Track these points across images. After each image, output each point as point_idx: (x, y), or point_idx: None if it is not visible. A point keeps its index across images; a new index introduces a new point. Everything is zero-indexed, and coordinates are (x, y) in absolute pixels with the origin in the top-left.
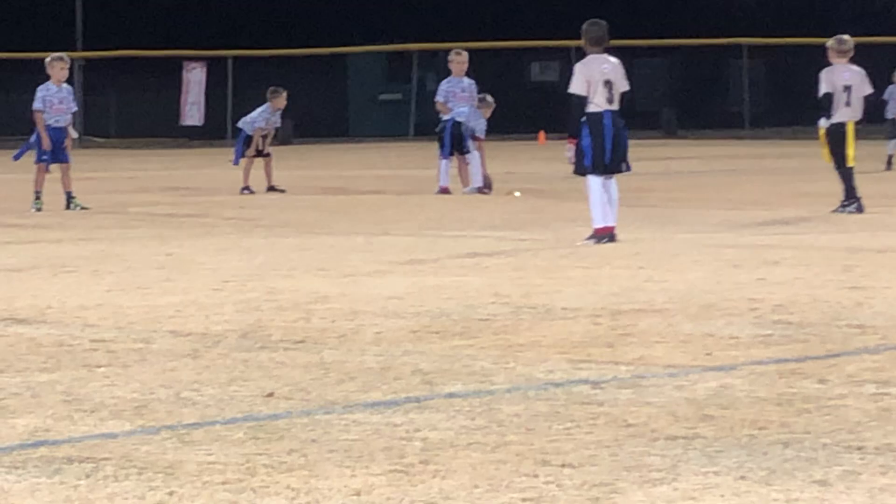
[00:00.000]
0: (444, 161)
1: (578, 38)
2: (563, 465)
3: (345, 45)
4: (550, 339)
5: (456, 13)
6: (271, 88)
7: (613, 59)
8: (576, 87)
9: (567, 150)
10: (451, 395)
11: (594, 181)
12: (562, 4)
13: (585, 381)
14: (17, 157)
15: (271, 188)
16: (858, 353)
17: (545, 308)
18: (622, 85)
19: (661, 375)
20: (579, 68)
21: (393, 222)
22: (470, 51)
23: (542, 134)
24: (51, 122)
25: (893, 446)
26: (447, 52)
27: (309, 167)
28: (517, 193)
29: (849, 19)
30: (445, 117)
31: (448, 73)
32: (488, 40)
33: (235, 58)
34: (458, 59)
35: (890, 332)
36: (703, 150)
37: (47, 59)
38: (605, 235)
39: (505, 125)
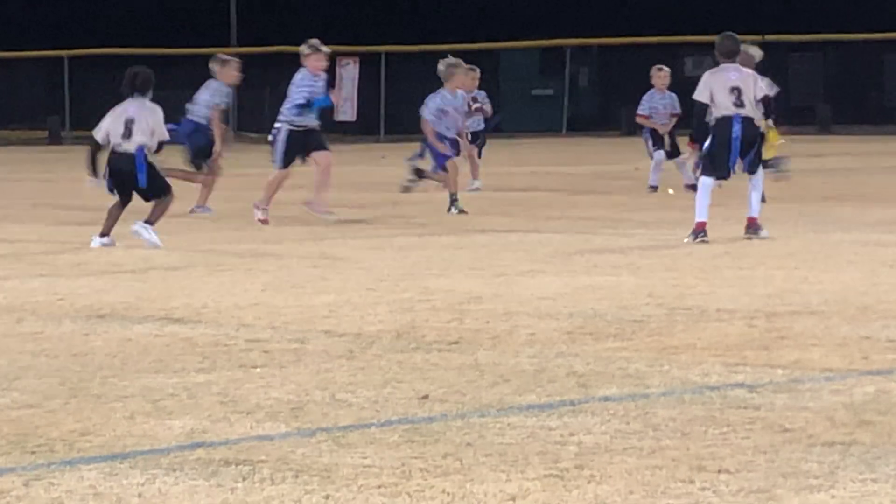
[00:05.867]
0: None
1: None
2: (719, 471)
3: (497, 41)
4: (705, 341)
5: (610, 8)
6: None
7: (747, 70)
8: (698, 94)
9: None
10: (605, 399)
11: (706, 181)
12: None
13: (741, 385)
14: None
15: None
16: None
17: (700, 309)
18: (754, 91)
19: (817, 379)
20: (705, 77)
21: (546, 220)
22: (624, 46)
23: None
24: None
25: None
26: (601, 47)
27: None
28: (670, 191)
29: None
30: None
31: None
32: (642, 35)
33: (388, 53)
34: (661, 75)
35: None
36: (859, 146)
37: (219, 59)
38: (699, 231)
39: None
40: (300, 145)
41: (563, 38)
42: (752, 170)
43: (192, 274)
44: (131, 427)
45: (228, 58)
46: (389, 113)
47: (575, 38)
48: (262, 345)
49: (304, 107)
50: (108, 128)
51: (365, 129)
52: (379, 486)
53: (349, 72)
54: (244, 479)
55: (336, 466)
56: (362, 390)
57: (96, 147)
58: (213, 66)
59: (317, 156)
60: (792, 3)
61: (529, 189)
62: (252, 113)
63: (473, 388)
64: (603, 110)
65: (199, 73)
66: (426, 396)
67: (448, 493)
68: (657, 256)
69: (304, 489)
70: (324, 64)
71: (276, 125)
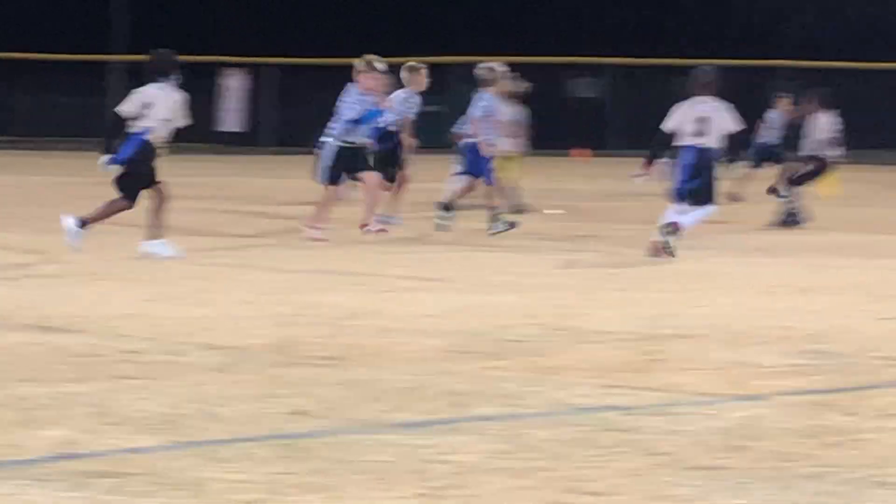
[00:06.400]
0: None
1: (618, 55)
2: (589, 493)
3: (389, 55)
4: (582, 362)
5: (496, 27)
6: None
7: (718, 104)
8: (666, 122)
9: (636, 173)
10: (480, 418)
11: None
12: (601, 22)
13: (615, 408)
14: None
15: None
16: (888, 387)
17: (578, 330)
18: (723, 124)
19: (691, 403)
20: (676, 107)
21: (430, 237)
22: (510, 66)
23: (579, 151)
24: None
25: None
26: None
27: None
28: (554, 211)
29: (890, 44)
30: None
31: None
32: (525, 54)
33: (275, 65)
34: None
35: None
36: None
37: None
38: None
39: (542, 141)
40: (348, 163)
41: (450, 55)
42: (690, 198)
43: (70, 282)
44: (0, 436)
45: (418, 65)
46: (275, 125)
47: (462, 55)
48: (138, 356)
49: (356, 123)
50: (132, 107)
51: (250, 140)
52: (249, 502)
53: (235, 82)
54: (114, 492)
55: (207, 481)
56: (237, 404)
57: (117, 121)
58: (403, 75)
59: (364, 176)
60: (673, 28)
61: (414, 205)
62: None
63: (349, 404)
64: None
65: (82, 79)
66: (300, 412)
67: None
68: (539, 276)
69: (174, 503)
70: (375, 84)
71: (323, 139)
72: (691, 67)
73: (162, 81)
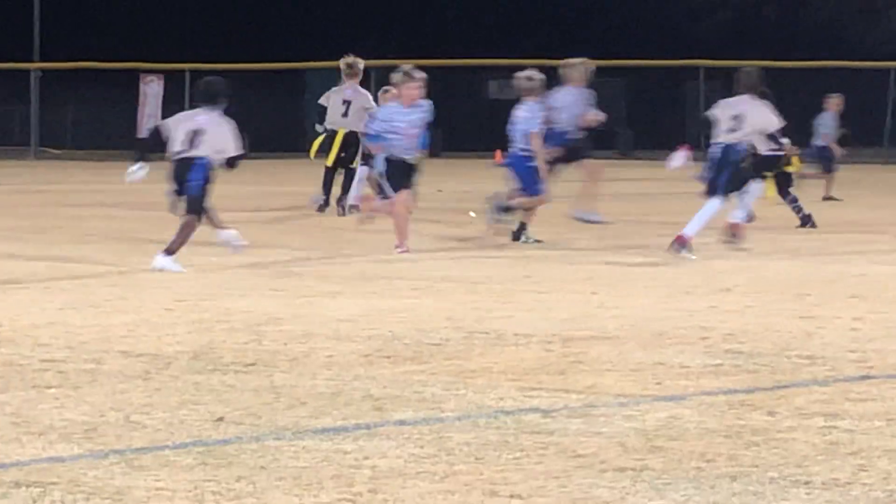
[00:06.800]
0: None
1: (537, 56)
2: (511, 496)
3: (303, 61)
4: (502, 365)
5: (413, 29)
6: None
7: (757, 102)
8: (709, 111)
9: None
10: (401, 423)
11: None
12: (520, 24)
13: (536, 410)
14: None
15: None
16: (807, 385)
17: (497, 333)
18: (756, 122)
19: (611, 405)
20: (721, 101)
21: (347, 242)
22: (430, 68)
23: (498, 153)
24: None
25: (840, 481)
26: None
27: (264, 183)
28: (473, 213)
29: (807, 43)
30: None
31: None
32: (445, 57)
33: (192, 71)
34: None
35: (839, 364)
36: (659, 171)
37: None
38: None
39: (462, 143)
40: (402, 170)
41: (369, 59)
42: (713, 192)
43: None
44: None
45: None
46: None
47: (379, 59)
48: (58, 365)
49: (374, 138)
50: (171, 130)
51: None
52: None
53: (153, 88)
54: (35, 502)
55: (128, 489)
56: (157, 412)
57: (156, 138)
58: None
59: (396, 195)
60: (596, 28)
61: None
62: (54, 129)
63: (269, 410)
64: None
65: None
66: (221, 419)
67: None
68: (457, 279)
69: None
70: (417, 93)
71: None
72: (622, 69)
73: (210, 108)
